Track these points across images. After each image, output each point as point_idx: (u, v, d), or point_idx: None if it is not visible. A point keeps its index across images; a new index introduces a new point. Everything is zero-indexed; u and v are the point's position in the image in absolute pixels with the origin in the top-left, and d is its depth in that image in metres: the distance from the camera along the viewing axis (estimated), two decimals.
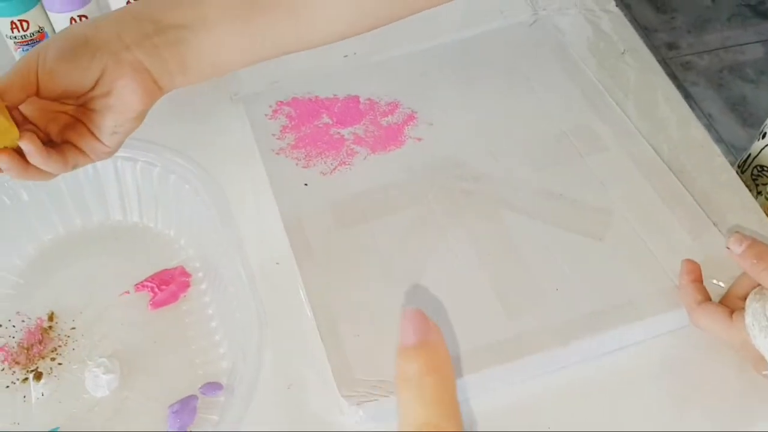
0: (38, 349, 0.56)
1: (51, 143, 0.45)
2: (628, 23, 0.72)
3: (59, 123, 0.45)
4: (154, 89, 0.44)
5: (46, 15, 0.68)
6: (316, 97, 0.67)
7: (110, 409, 0.53)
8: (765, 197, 0.67)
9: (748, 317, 0.46)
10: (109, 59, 0.42)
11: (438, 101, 0.66)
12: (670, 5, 1.84)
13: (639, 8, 1.83)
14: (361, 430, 0.48)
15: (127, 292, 0.59)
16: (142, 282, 0.59)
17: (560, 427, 0.48)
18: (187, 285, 0.58)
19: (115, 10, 0.45)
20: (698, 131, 0.63)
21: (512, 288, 0.53)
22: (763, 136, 0.68)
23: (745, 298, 0.47)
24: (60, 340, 0.57)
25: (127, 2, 0.67)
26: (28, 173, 0.44)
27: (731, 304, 0.49)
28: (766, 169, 0.67)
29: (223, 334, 0.55)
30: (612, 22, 0.72)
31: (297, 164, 0.63)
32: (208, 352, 0.55)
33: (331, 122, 0.66)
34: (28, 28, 0.68)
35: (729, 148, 1.55)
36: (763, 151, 0.68)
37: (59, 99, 0.44)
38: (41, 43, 0.43)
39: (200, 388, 0.53)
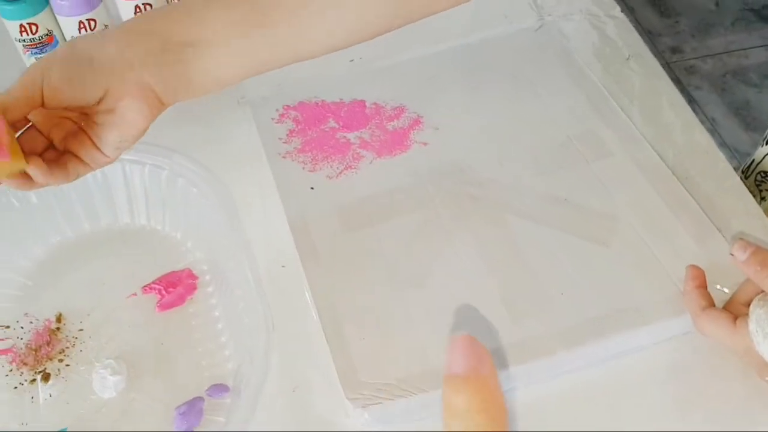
0: (46, 350, 0.56)
1: (52, 149, 0.46)
2: (633, 29, 0.72)
3: (63, 129, 0.46)
4: (157, 105, 0.45)
5: (55, 18, 0.68)
6: (323, 101, 0.68)
7: (117, 411, 0.53)
8: None
9: (752, 323, 0.46)
10: (113, 79, 0.43)
11: (444, 106, 0.67)
12: (674, 9, 1.84)
13: (643, 12, 1.83)
14: None
15: (135, 294, 0.59)
16: (149, 284, 0.59)
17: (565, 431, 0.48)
18: (194, 287, 0.59)
19: (121, 26, 0.45)
20: (702, 136, 0.63)
21: (517, 292, 0.54)
22: (767, 142, 0.68)
23: (749, 305, 0.47)
24: (68, 341, 0.57)
25: (135, 8, 0.67)
26: (31, 187, 0.45)
27: (735, 310, 0.49)
28: None
29: (229, 337, 0.56)
30: (617, 28, 0.72)
31: (303, 168, 0.63)
32: (214, 354, 0.55)
33: (337, 126, 0.66)
34: (37, 31, 0.68)
35: (732, 152, 1.55)
36: (767, 157, 0.68)
37: (64, 110, 0.45)
38: (46, 57, 0.43)
39: (207, 389, 0.53)
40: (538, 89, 0.67)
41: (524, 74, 0.69)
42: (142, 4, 0.67)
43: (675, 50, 1.76)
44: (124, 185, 0.63)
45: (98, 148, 0.46)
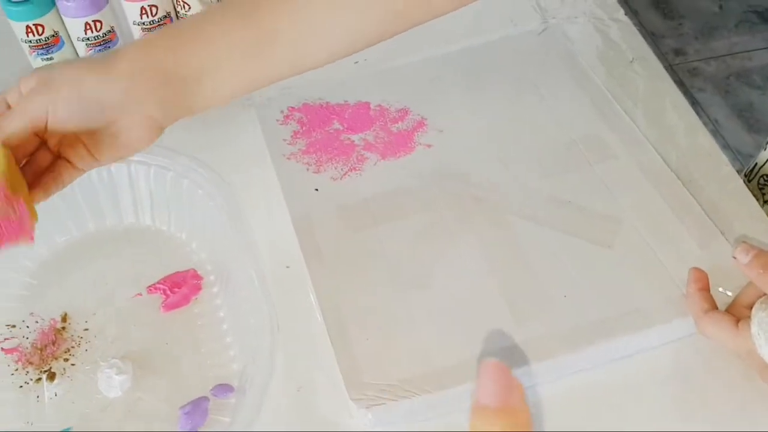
0: (51, 349, 0.57)
1: (45, 149, 0.46)
2: (636, 32, 0.73)
3: (58, 134, 0.46)
4: (158, 131, 0.47)
5: (61, 19, 0.69)
6: (327, 103, 0.68)
7: (122, 410, 0.53)
8: None
9: (754, 326, 0.46)
10: (119, 116, 0.44)
11: (448, 108, 0.67)
12: (678, 11, 1.84)
13: (646, 14, 1.83)
14: None
15: (140, 295, 0.59)
16: (154, 284, 0.59)
17: None
18: (198, 288, 0.59)
19: (123, 58, 0.44)
20: (706, 139, 0.63)
21: (521, 294, 0.54)
22: None
23: (752, 307, 0.47)
24: (73, 340, 0.57)
25: (141, 9, 0.67)
26: None
27: (738, 313, 0.49)
28: None
29: (234, 337, 0.56)
30: (621, 31, 0.73)
31: (308, 169, 0.63)
32: (219, 355, 0.55)
33: (341, 128, 0.66)
34: (43, 32, 0.68)
35: (735, 154, 1.55)
36: None
37: None
38: (49, 92, 0.43)
39: (211, 389, 0.53)
40: (542, 92, 0.68)
41: (528, 77, 0.69)
42: (148, 6, 0.68)
43: (678, 52, 1.76)
44: (129, 186, 0.63)
45: (95, 158, 0.47)
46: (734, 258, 0.49)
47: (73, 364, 0.56)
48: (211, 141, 0.64)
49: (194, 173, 0.61)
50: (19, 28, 0.68)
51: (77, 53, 0.71)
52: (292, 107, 0.68)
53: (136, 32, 0.70)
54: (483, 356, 0.51)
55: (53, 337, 0.57)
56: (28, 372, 0.56)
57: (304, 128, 0.67)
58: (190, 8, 0.68)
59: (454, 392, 0.49)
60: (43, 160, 0.46)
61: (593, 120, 0.64)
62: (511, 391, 0.27)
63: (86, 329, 0.58)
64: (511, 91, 0.68)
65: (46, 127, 0.44)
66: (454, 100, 0.68)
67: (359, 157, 0.64)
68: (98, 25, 0.68)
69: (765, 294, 0.47)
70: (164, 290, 0.59)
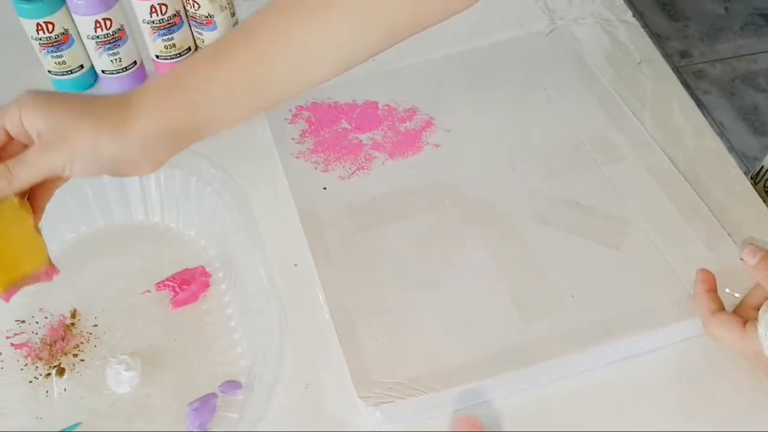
0: (61, 345, 0.57)
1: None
2: (644, 33, 0.73)
3: None
4: (162, 164, 0.48)
5: (71, 17, 0.69)
6: (336, 102, 0.68)
7: (131, 406, 0.54)
8: None
9: (761, 327, 0.46)
10: (132, 166, 0.46)
11: (455, 108, 0.67)
12: (683, 13, 1.84)
13: (652, 16, 1.83)
14: (379, 431, 0.49)
15: (149, 291, 0.60)
16: (163, 281, 0.60)
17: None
18: (207, 285, 0.60)
19: (142, 116, 0.45)
20: (713, 141, 0.63)
21: (528, 294, 0.54)
22: None
23: (759, 309, 0.48)
24: (82, 336, 0.58)
25: (150, 8, 0.68)
26: None
27: (745, 314, 0.49)
28: None
29: (242, 334, 0.56)
30: (629, 32, 0.73)
31: (316, 168, 0.64)
32: (227, 352, 0.56)
33: (349, 127, 0.67)
34: (53, 30, 0.69)
35: (740, 157, 1.55)
36: None
37: None
38: (64, 146, 0.44)
39: (220, 386, 0.54)
40: (550, 93, 0.68)
41: (536, 78, 0.69)
42: (158, 4, 0.68)
43: (684, 54, 1.76)
44: (139, 183, 0.64)
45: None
46: (741, 260, 0.49)
47: (82, 360, 0.56)
48: (220, 139, 0.64)
49: (203, 171, 0.62)
50: (29, 25, 0.68)
51: (86, 51, 0.71)
52: (300, 106, 0.68)
53: (146, 30, 0.70)
54: (491, 356, 0.51)
55: (62, 332, 0.58)
56: (37, 367, 0.56)
57: (312, 127, 0.67)
58: (199, 7, 0.68)
59: (462, 391, 0.49)
60: None
61: (601, 121, 0.65)
62: None
63: (95, 325, 0.58)
64: (519, 92, 0.68)
65: (58, 177, 0.46)
66: (462, 100, 0.68)
67: (367, 157, 0.64)
68: (108, 23, 0.69)
69: None
70: (173, 287, 0.59)
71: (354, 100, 0.68)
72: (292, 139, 0.66)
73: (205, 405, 0.52)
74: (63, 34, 0.69)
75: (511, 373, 0.50)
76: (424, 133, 0.66)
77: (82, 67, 0.73)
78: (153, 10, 0.68)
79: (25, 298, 0.60)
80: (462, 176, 0.62)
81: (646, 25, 1.80)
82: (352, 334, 0.53)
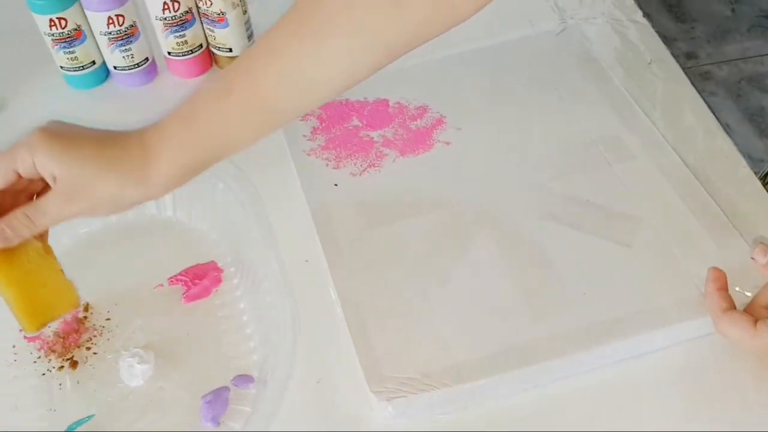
0: (74, 338, 0.57)
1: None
2: (654, 33, 0.73)
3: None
4: None
5: (84, 13, 0.69)
6: (347, 99, 0.69)
7: (144, 399, 0.54)
8: None
9: None
10: (150, 200, 0.48)
11: (466, 107, 0.68)
12: (690, 15, 1.84)
13: (658, 17, 1.83)
14: (391, 426, 0.49)
15: (161, 286, 0.60)
16: (175, 276, 0.60)
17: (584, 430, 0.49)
18: (219, 280, 0.60)
19: (163, 159, 0.46)
20: (724, 141, 0.64)
21: (538, 291, 0.54)
22: None
23: None
24: (95, 330, 0.58)
25: (163, 5, 0.68)
26: None
27: (756, 313, 0.49)
28: None
29: (254, 329, 0.57)
30: (639, 32, 0.73)
31: (327, 165, 0.64)
32: (239, 346, 0.56)
33: (360, 125, 0.67)
34: (66, 25, 0.69)
35: (746, 158, 1.55)
36: None
37: None
38: (87, 199, 0.45)
39: (232, 380, 0.54)
40: (561, 92, 0.68)
41: (546, 77, 0.69)
42: (170, 1, 0.68)
43: (690, 56, 1.76)
44: None
45: None
46: (752, 259, 0.49)
47: (95, 353, 0.57)
48: None
49: (215, 167, 0.62)
50: (42, 21, 0.69)
51: (99, 47, 0.72)
52: None
53: (158, 27, 0.70)
54: (500, 353, 0.51)
55: (76, 326, 0.58)
56: (50, 360, 0.56)
57: (323, 124, 0.67)
58: (212, 4, 0.69)
59: (473, 386, 0.50)
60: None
61: (612, 121, 0.65)
62: None
63: (108, 319, 0.59)
64: (530, 91, 0.68)
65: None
66: (473, 98, 0.68)
67: (378, 154, 0.65)
68: (120, 19, 0.69)
69: None
70: (185, 282, 0.60)
71: (365, 98, 0.69)
72: (304, 136, 0.66)
73: (218, 398, 0.53)
74: (76, 30, 0.70)
75: (520, 371, 0.50)
76: (435, 131, 0.66)
77: (94, 63, 0.73)
78: (165, 6, 0.69)
79: None
80: (473, 174, 0.62)
81: (652, 27, 1.80)
82: (364, 329, 0.53)
